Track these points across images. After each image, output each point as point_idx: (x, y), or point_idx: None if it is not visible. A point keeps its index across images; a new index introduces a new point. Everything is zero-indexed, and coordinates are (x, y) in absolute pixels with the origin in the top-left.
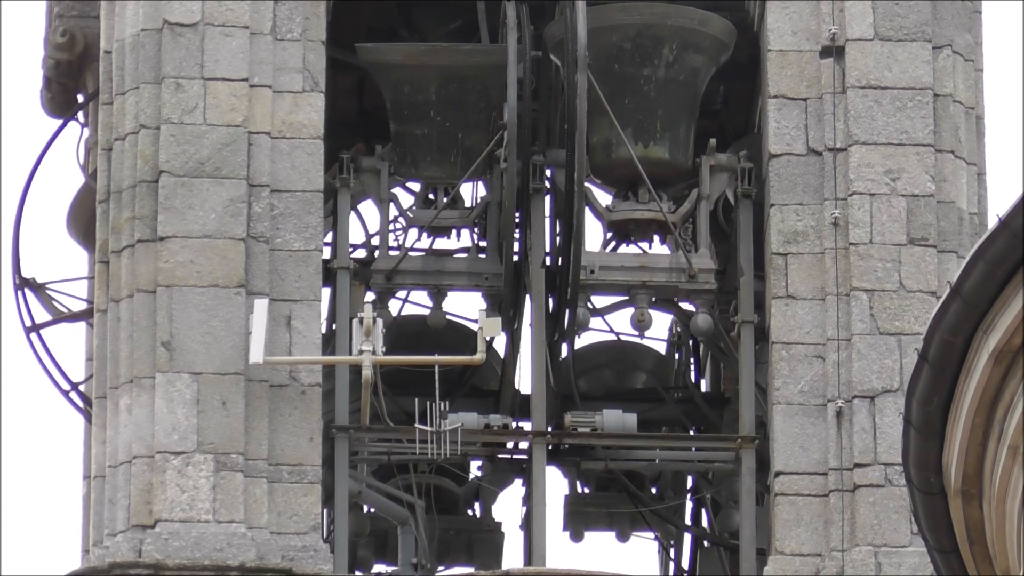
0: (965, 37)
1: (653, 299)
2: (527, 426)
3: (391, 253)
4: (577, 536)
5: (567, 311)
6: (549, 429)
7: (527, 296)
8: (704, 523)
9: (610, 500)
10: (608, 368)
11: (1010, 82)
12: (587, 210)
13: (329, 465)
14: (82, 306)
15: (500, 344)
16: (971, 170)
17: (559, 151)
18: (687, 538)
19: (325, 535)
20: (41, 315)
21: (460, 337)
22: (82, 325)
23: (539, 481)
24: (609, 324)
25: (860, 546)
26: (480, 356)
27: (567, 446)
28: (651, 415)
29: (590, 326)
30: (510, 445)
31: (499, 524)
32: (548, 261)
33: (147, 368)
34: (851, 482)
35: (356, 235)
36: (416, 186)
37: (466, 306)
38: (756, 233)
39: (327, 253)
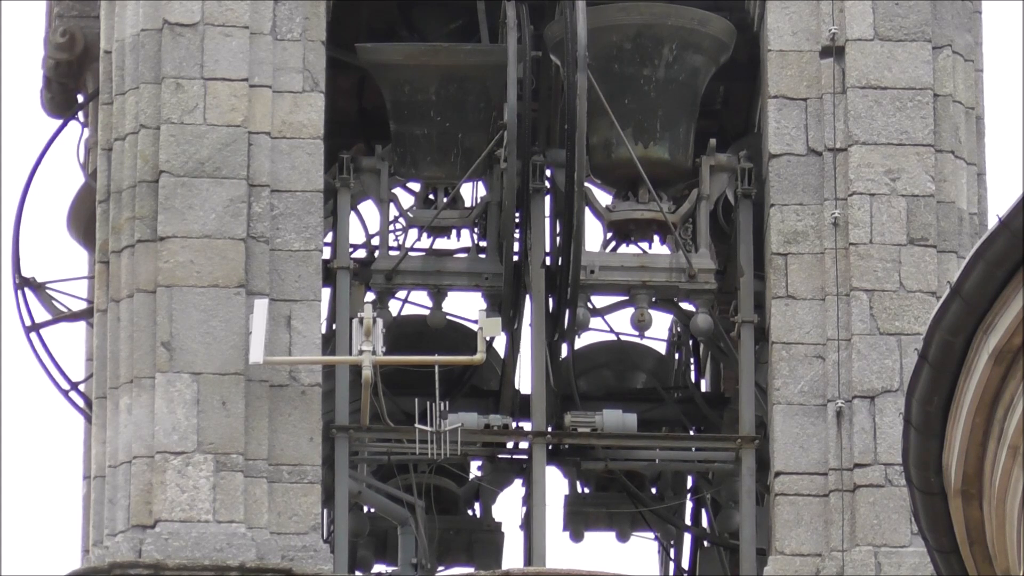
0: (965, 37)
1: (653, 299)
2: (527, 426)
3: (391, 253)
4: (577, 536)
5: (567, 311)
6: (549, 429)
7: (527, 296)
8: (704, 523)
9: (610, 500)
10: (608, 368)
11: (1010, 82)
12: (587, 210)
13: (329, 465)
14: (82, 306)
15: (500, 344)
16: (971, 170)
17: (559, 151)
18: (687, 538)
19: (325, 535)
20: (41, 315)
21: (460, 337)
22: (82, 325)
23: (539, 481)
24: (609, 324)
25: (860, 546)
26: (480, 356)
27: (567, 446)
28: (651, 415)
29: (590, 326)
30: (510, 445)
31: (499, 524)
32: (548, 261)
33: (147, 368)
34: (851, 482)
35: (356, 235)
36: (416, 186)
37: (466, 306)
38: (756, 233)
39: (327, 253)
